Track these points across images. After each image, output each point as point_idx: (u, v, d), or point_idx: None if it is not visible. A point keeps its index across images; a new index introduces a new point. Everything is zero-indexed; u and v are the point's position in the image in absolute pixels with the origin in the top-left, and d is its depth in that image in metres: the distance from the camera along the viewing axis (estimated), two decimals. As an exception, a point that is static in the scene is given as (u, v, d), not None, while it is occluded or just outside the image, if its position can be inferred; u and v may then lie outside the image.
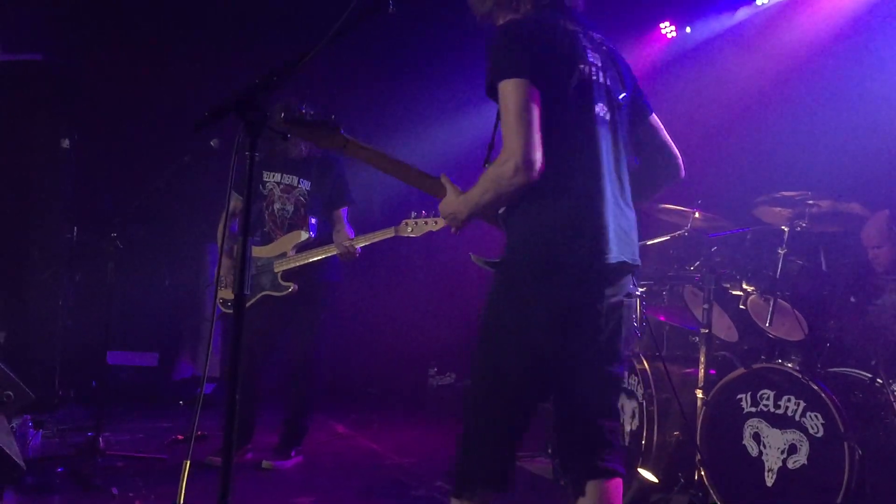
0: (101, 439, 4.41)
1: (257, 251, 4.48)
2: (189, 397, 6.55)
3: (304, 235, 4.45)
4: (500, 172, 2.11)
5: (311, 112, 3.02)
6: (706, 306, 3.85)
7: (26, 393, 3.68)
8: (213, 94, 6.12)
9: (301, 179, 4.56)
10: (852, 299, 3.72)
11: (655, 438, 3.93)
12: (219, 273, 4.30)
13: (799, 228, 3.74)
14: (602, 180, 2.23)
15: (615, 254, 2.21)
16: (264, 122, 1.79)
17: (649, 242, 4.82)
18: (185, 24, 6.65)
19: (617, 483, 2.31)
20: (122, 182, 6.61)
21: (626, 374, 2.42)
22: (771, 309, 3.65)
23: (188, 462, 1.91)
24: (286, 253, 4.44)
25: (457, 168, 3.01)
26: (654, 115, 2.53)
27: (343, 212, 4.64)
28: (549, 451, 4.55)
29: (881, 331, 3.58)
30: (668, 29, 6.34)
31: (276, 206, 4.56)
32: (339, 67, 6.88)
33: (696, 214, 4.37)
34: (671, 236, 4.62)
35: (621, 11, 6.31)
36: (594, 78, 2.27)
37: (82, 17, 6.30)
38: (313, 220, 4.53)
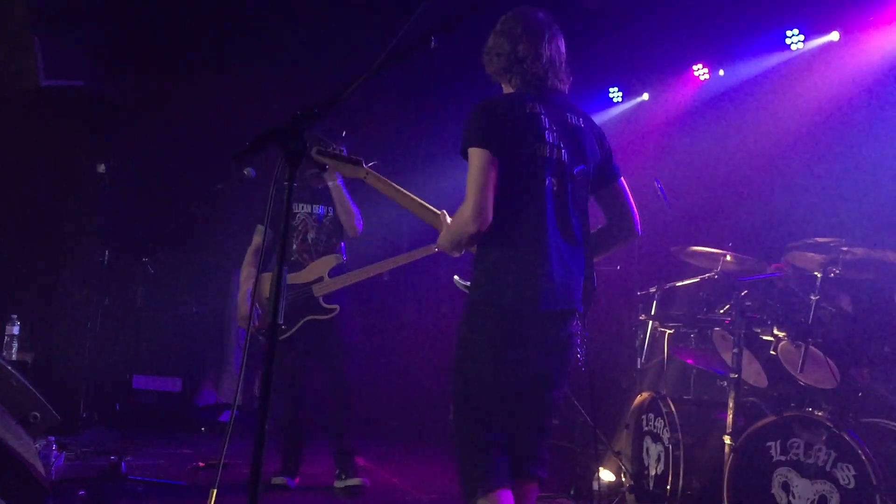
0: (123, 463, 4.42)
1: (291, 278, 4.56)
2: (211, 424, 6.56)
3: (336, 260, 4.64)
4: (458, 220, 2.58)
5: (341, 148, 3.24)
6: (736, 350, 3.79)
7: (53, 414, 3.69)
8: (246, 124, 6.20)
9: (329, 208, 4.71)
10: (886, 348, 3.65)
11: (681, 484, 3.87)
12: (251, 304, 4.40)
13: (832, 275, 3.70)
14: (545, 241, 2.60)
15: (549, 302, 2.59)
16: (304, 153, 1.81)
17: (678, 284, 4.79)
18: (221, 55, 6.75)
19: (534, 485, 2.77)
20: (154, 208, 6.69)
21: (560, 398, 2.77)
22: (802, 356, 3.59)
23: (215, 490, 1.90)
24: (322, 277, 4.57)
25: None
26: (620, 179, 2.89)
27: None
28: (572, 493, 4.49)
29: (916, 382, 3.51)
30: (700, 71, 6.34)
31: (311, 235, 4.68)
32: (368, 102, 6.95)
33: (728, 257, 4.34)
34: (701, 278, 4.59)
35: (655, 53, 6.33)
36: (548, 155, 2.65)
37: (124, 44, 6.43)
38: (342, 244, 4.75)
